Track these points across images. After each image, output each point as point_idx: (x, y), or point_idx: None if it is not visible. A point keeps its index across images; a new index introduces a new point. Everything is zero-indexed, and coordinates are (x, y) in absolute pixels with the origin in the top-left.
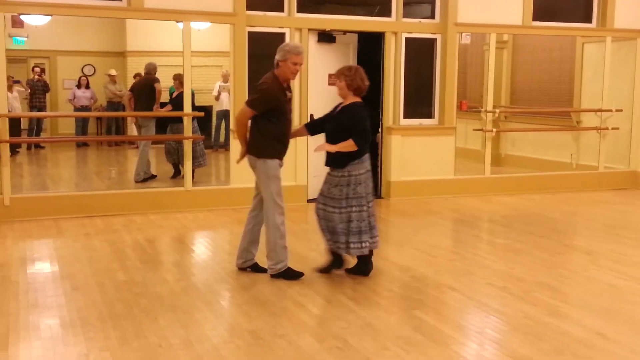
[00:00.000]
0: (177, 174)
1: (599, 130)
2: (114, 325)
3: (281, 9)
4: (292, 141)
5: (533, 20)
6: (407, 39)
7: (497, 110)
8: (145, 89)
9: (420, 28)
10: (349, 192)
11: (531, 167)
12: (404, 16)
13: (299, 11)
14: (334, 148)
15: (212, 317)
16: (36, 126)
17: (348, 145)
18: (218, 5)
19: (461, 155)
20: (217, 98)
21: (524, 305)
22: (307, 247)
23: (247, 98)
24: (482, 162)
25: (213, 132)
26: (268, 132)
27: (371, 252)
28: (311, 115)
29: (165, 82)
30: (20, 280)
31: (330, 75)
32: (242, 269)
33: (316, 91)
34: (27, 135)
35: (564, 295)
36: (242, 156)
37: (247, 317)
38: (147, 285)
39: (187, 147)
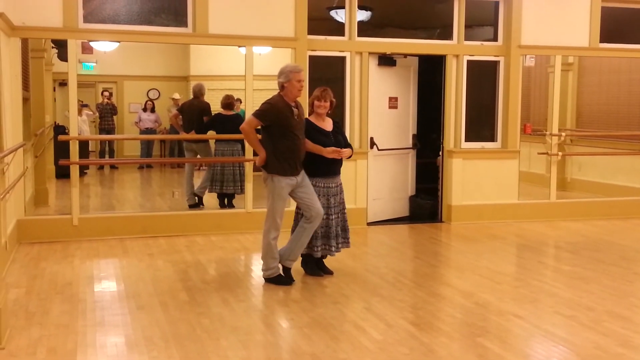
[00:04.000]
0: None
1: None
2: (177, 345)
3: (342, 33)
4: (351, 164)
5: (600, 42)
6: (469, 62)
7: (563, 134)
8: (194, 111)
9: (482, 51)
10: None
11: (598, 192)
12: (466, 39)
13: (359, 35)
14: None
15: (273, 339)
16: (108, 147)
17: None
18: (280, 31)
19: (525, 179)
20: None
21: (594, 335)
22: (367, 269)
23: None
24: (547, 187)
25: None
26: (276, 150)
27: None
28: (371, 139)
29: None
30: (88, 298)
31: (390, 99)
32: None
33: (377, 114)
34: (99, 156)
35: (637, 325)
36: (262, 161)
37: (308, 340)
38: (209, 306)
39: (249, 169)
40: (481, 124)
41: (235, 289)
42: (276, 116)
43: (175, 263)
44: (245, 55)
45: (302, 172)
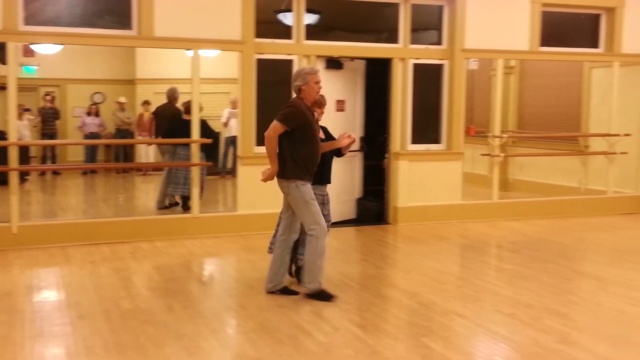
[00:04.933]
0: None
1: (608, 155)
2: (120, 354)
3: (289, 37)
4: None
5: (540, 45)
6: (414, 65)
7: (505, 135)
8: (167, 116)
9: (427, 54)
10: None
11: (539, 192)
12: (412, 42)
13: (307, 38)
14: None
15: (218, 346)
16: (50, 152)
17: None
18: (227, 33)
19: (469, 180)
20: (226, 125)
21: (533, 332)
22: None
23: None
24: (490, 187)
25: (221, 159)
26: (297, 155)
27: None
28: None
29: None
30: (27, 308)
31: (337, 102)
32: (271, 292)
33: (324, 117)
34: (41, 162)
35: (574, 321)
36: (271, 177)
37: (253, 345)
38: (154, 313)
39: (195, 174)
40: (426, 127)
41: (181, 295)
42: (301, 119)
43: (119, 270)
44: (192, 59)
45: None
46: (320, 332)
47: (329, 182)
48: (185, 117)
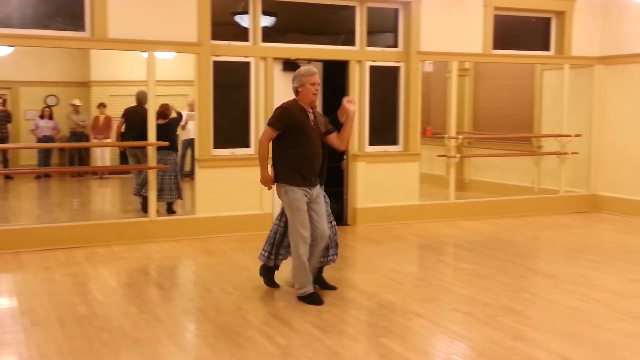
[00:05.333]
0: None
1: (559, 155)
2: None
3: (246, 39)
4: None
5: (493, 48)
6: (371, 67)
7: (461, 137)
8: (136, 118)
9: (383, 57)
10: None
11: (495, 191)
12: (368, 45)
13: (264, 40)
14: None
15: (176, 350)
16: (2, 156)
17: None
18: (183, 35)
19: (426, 181)
20: (184, 127)
21: (489, 330)
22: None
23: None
24: (447, 188)
25: (178, 161)
26: (289, 158)
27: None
28: None
29: None
30: None
31: None
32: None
33: None
34: None
35: (528, 319)
36: (264, 182)
37: (212, 349)
38: (110, 319)
39: (152, 177)
40: (384, 128)
41: (138, 300)
42: (291, 120)
43: (74, 276)
44: (148, 60)
45: (318, 187)
46: (279, 335)
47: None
48: (159, 121)
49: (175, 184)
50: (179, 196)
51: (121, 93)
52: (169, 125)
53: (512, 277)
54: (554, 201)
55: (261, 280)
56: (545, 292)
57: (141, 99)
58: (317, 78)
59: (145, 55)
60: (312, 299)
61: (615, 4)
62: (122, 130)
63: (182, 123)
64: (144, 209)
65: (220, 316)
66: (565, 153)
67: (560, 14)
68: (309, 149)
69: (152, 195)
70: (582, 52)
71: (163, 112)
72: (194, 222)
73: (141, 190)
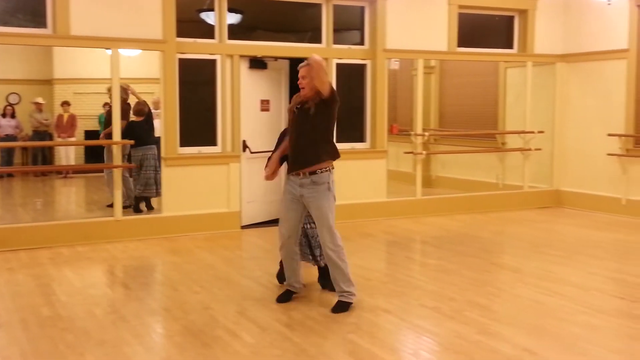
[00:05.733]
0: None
1: (523, 152)
2: None
3: (212, 36)
4: (224, 168)
5: (458, 46)
6: (337, 65)
7: (427, 134)
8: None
9: (350, 54)
10: None
11: (461, 188)
12: (335, 42)
13: (230, 38)
14: None
15: (142, 351)
16: None
17: None
18: (148, 32)
19: (393, 177)
20: None
21: (455, 325)
22: (240, 273)
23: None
24: (414, 184)
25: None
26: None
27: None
28: (244, 141)
29: (95, 109)
30: None
31: (262, 101)
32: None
33: (249, 117)
34: None
35: (494, 313)
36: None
37: (179, 349)
38: (74, 320)
39: (117, 175)
40: (351, 125)
41: (102, 301)
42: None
43: (38, 277)
44: (112, 58)
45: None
46: (247, 333)
47: None
48: (136, 119)
49: (155, 179)
50: (158, 192)
51: (85, 91)
52: (146, 121)
53: (478, 272)
54: (518, 197)
55: (229, 278)
56: (510, 287)
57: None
58: (303, 71)
59: (109, 52)
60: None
61: (576, 3)
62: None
63: None
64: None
65: (187, 315)
66: (529, 149)
67: (523, 13)
68: (290, 139)
69: (118, 194)
70: (544, 50)
71: (141, 109)
72: (160, 221)
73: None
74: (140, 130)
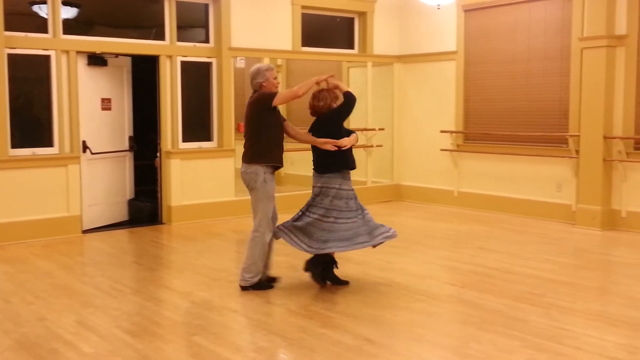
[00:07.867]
0: None
1: (366, 148)
2: None
3: (45, 31)
4: (62, 170)
5: (302, 45)
6: (182, 63)
7: None
8: None
9: (195, 52)
10: None
11: (308, 184)
12: (179, 40)
13: (65, 33)
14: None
15: None
16: None
17: None
18: None
19: None
20: None
21: (300, 320)
22: (81, 280)
23: (264, 98)
24: None
25: None
26: None
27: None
28: (84, 142)
29: None
30: None
31: (103, 100)
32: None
33: (89, 116)
34: None
35: (337, 305)
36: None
37: None
38: None
39: None
40: (197, 125)
41: None
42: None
43: None
44: None
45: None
46: (85, 343)
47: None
48: None
49: None
50: None
51: None
52: None
53: None
54: (363, 192)
55: (67, 286)
56: (353, 279)
57: None
58: (276, 72)
59: None
60: (264, 285)
61: (409, 7)
62: None
63: None
64: None
65: (20, 328)
66: (371, 146)
67: (362, 15)
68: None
69: None
70: (383, 51)
71: None
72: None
73: None
74: None
